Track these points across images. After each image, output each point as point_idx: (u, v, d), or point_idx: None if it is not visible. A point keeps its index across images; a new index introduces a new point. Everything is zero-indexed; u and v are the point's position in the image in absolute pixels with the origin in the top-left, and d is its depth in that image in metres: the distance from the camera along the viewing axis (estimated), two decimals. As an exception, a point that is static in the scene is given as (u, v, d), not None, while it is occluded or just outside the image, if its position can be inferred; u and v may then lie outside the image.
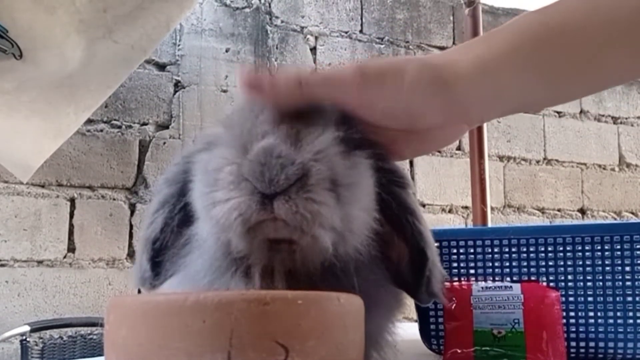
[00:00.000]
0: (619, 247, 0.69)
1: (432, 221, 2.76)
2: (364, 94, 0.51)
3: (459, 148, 2.88)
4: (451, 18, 2.99)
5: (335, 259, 0.48)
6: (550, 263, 0.72)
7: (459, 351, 0.66)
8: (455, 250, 0.77)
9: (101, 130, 2.35)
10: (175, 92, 2.47)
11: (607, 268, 0.70)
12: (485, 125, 1.98)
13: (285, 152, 0.45)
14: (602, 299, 0.70)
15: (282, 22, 2.67)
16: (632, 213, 3.20)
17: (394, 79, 0.51)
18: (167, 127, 2.44)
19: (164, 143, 2.42)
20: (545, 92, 0.55)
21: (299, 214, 0.44)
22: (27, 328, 1.85)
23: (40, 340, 1.91)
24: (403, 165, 2.84)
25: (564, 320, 0.69)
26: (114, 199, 2.34)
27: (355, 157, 0.50)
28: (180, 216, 0.54)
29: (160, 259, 0.56)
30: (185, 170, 0.54)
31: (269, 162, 0.44)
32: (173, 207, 0.54)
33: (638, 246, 0.69)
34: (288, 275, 0.48)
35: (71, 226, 2.29)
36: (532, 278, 0.73)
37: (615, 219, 3.19)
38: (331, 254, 0.47)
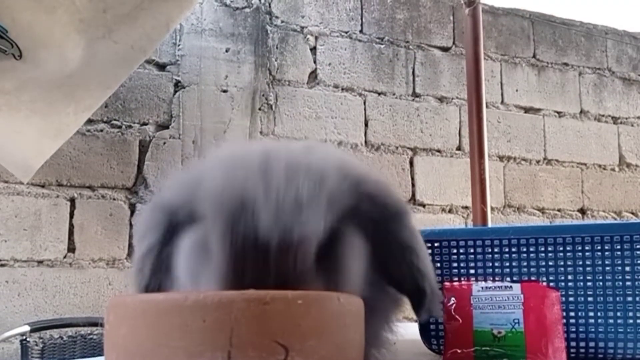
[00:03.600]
0: (619, 247, 0.69)
1: (432, 221, 2.76)
2: None
3: (459, 148, 2.88)
4: (451, 18, 2.99)
5: None
6: (550, 263, 0.72)
7: (459, 351, 0.66)
8: (455, 250, 0.77)
9: (101, 130, 2.35)
10: (175, 92, 2.47)
11: (607, 268, 0.70)
12: (485, 125, 1.98)
13: (270, 234, 0.45)
14: (602, 299, 0.70)
15: (282, 22, 2.67)
16: (632, 213, 3.20)
17: None
18: (167, 127, 2.44)
19: (164, 143, 2.42)
20: None
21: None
22: (27, 328, 1.85)
23: (41, 340, 1.91)
24: (397, 159, 2.84)
25: (564, 320, 0.69)
26: (114, 199, 2.34)
27: (344, 232, 0.49)
28: (167, 262, 0.54)
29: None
30: (165, 222, 0.53)
31: (250, 250, 0.45)
32: (159, 253, 0.54)
33: (638, 246, 0.69)
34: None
35: (71, 226, 2.29)
36: (532, 278, 0.73)
37: (615, 219, 3.18)
38: None
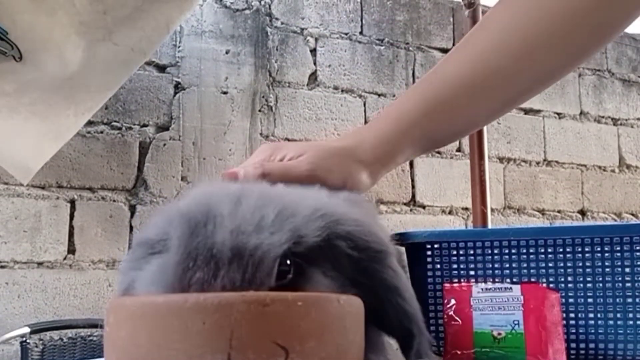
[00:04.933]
0: (619, 248, 0.69)
1: (432, 223, 2.76)
2: (313, 180, 0.65)
3: (459, 149, 2.88)
4: (451, 19, 2.99)
5: None
6: (550, 264, 0.72)
7: (459, 352, 0.66)
8: (455, 252, 0.77)
9: (101, 132, 2.35)
10: (176, 93, 2.48)
11: (607, 269, 0.70)
12: (485, 126, 1.98)
13: None
14: (602, 300, 0.70)
15: (282, 23, 2.67)
16: (632, 214, 3.20)
17: (332, 171, 0.68)
18: (167, 129, 2.44)
19: (164, 145, 2.42)
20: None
21: None
22: (27, 330, 1.85)
23: (40, 341, 1.91)
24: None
25: (564, 322, 0.69)
26: (114, 201, 2.34)
27: (304, 284, 0.48)
28: None
29: None
30: (145, 257, 0.54)
31: None
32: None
33: (638, 247, 0.69)
34: None
35: (71, 228, 2.29)
36: (532, 279, 0.73)
37: (615, 221, 3.18)
38: None
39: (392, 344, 0.59)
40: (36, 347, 1.86)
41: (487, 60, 0.69)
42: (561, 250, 0.72)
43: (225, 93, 2.53)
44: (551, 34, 0.67)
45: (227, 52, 2.55)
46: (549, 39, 0.67)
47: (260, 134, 2.55)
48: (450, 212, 2.83)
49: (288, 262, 0.47)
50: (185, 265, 0.46)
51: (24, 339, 1.83)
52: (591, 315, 0.70)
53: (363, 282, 0.51)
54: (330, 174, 0.67)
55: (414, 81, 2.85)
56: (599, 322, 0.70)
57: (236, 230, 0.47)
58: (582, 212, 3.10)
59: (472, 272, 0.76)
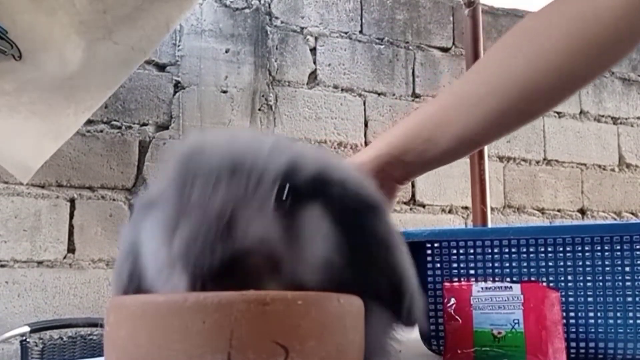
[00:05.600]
0: (618, 247, 0.69)
1: (432, 222, 2.75)
2: None
3: (458, 148, 2.88)
4: (451, 19, 2.99)
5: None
6: (550, 263, 0.72)
7: (459, 351, 0.66)
8: (455, 251, 0.77)
9: (101, 131, 2.35)
10: (175, 92, 2.47)
11: (607, 268, 0.70)
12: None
13: (212, 237, 0.42)
14: (602, 299, 0.70)
15: (281, 22, 2.67)
16: (632, 213, 3.20)
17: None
18: (167, 128, 2.44)
19: (164, 144, 2.42)
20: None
21: None
22: (27, 329, 1.85)
23: (40, 340, 1.91)
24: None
25: (564, 321, 0.70)
26: (114, 200, 2.34)
27: (303, 213, 0.47)
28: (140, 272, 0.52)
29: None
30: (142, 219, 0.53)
31: (194, 246, 0.42)
32: (134, 260, 0.53)
33: (638, 246, 0.69)
34: None
35: (71, 227, 2.29)
36: (532, 278, 0.73)
37: (615, 220, 3.18)
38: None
39: (394, 346, 0.59)
40: (36, 346, 1.87)
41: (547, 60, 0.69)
42: (561, 249, 0.72)
43: (225, 92, 2.52)
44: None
45: (226, 51, 2.55)
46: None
47: (260, 133, 2.55)
48: (450, 211, 2.83)
49: (287, 185, 0.46)
50: (184, 182, 0.45)
51: (24, 338, 1.83)
52: (591, 314, 0.70)
53: (354, 233, 0.49)
54: None
55: (413, 80, 2.85)
56: (599, 321, 0.70)
57: (235, 152, 0.46)
58: (582, 211, 3.10)
59: (472, 271, 0.76)
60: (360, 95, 2.74)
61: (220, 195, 0.44)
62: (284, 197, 0.46)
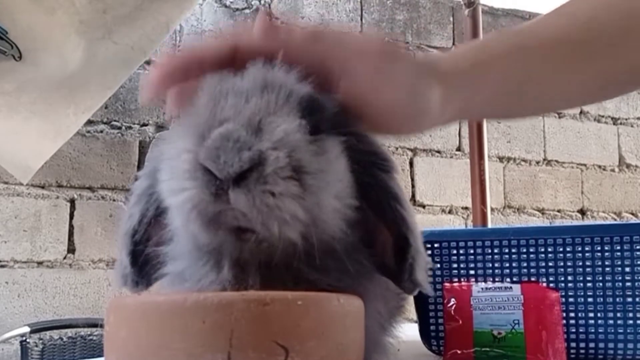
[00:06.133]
0: (618, 247, 0.69)
1: (432, 222, 2.75)
2: (380, 71, 0.51)
3: (458, 149, 2.88)
4: (451, 19, 2.99)
5: (309, 249, 0.45)
6: (550, 264, 0.72)
7: (458, 352, 0.66)
8: (455, 251, 0.77)
9: (101, 131, 2.35)
10: (175, 93, 2.47)
11: (607, 269, 0.70)
12: (485, 126, 1.98)
13: (243, 138, 0.43)
14: (602, 299, 0.70)
15: (281, 23, 2.67)
16: (632, 214, 3.20)
17: (408, 62, 0.54)
18: (167, 128, 2.44)
19: (164, 144, 2.42)
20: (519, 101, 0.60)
21: (256, 207, 0.43)
22: (27, 329, 1.85)
23: (40, 341, 1.91)
24: (397, 160, 2.85)
25: (564, 321, 0.70)
26: (114, 200, 2.34)
27: (325, 141, 0.47)
28: (156, 206, 0.52)
29: (141, 252, 0.54)
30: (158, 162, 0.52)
31: (224, 146, 0.42)
32: (149, 197, 0.53)
33: (638, 247, 0.69)
34: (261, 267, 0.46)
35: (71, 227, 2.29)
36: (532, 279, 0.73)
37: (615, 220, 3.18)
38: (301, 245, 0.45)
39: (393, 344, 0.59)
40: (36, 346, 1.86)
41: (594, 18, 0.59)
42: (561, 249, 0.72)
43: (225, 92, 2.53)
44: None
45: (227, 52, 2.55)
46: None
47: (260, 134, 2.55)
48: (450, 212, 2.83)
49: (312, 106, 0.47)
50: (217, 98, 0.47)
51: (24, 338, 1.83)
52: (591, 314, 0.70)
53: (367, 181, 0.50)
54: (390, 84, 0.52)
55: (413, 80, 2.85)
56: (599, 321, 0.70)
57: (265, 74, 0.48)
58: (582, 212, 3.10)
59: (472, 272, 0.76)
60: (360, 95, 2.74)
61: (250, 107, 0.45)
62: (310, 115, 0.47)
